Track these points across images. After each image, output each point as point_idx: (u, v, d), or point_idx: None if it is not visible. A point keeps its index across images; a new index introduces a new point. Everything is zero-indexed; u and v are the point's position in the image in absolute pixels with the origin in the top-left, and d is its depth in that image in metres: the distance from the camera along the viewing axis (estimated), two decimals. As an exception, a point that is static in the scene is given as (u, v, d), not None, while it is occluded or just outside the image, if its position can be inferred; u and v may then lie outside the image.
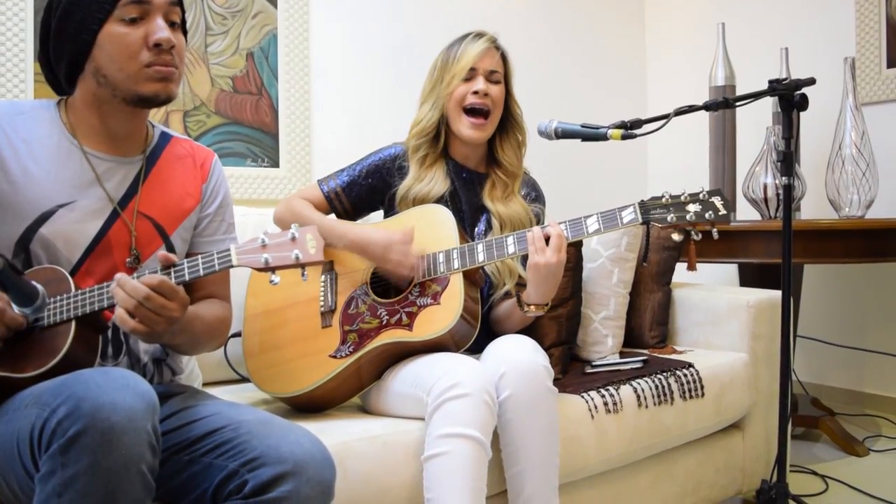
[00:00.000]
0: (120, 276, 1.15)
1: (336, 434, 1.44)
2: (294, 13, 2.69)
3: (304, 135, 2.71)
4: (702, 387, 1.98)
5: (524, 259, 1.76)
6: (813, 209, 3.04)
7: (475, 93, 1.78)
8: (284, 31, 2.67)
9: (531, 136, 1.88)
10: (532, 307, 1.67)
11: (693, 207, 1.52)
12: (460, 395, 1.42)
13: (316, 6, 2.75)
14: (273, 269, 1.13)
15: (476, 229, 1.84)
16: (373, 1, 2.91)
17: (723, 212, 1.51)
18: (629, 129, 1.70)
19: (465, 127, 1.80)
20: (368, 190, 1.84)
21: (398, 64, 2.94)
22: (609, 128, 1.69)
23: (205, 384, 1.87)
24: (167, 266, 1.17)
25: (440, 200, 1.80)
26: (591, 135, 1.69)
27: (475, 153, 1.88)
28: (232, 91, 2.57)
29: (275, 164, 2.66)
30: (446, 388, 1.43)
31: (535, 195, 1.94)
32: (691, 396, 1.95)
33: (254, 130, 2.61)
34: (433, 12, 3.05)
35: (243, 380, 1.83)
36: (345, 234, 1.70)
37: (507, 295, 1.80)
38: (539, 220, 1.91)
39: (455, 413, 1.41)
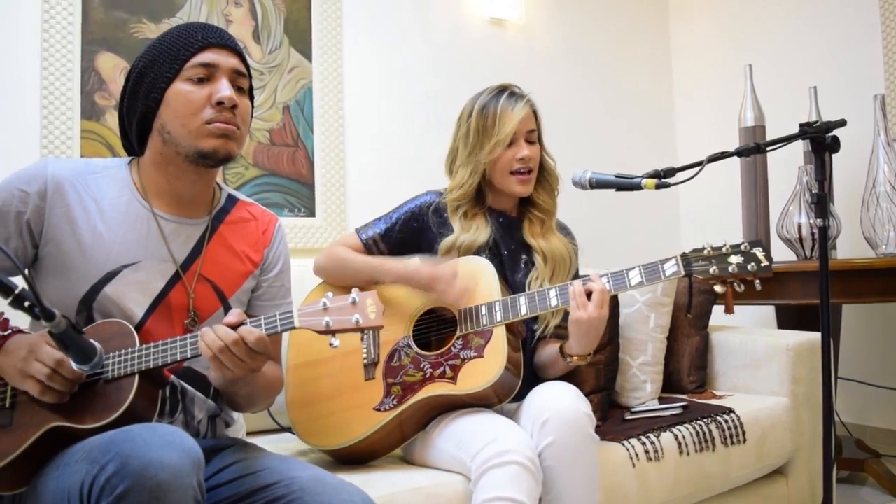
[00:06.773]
0: (217, 325, 1.19)
1: (380, 486, 1.45)
2: (328, 67, 2.77)
3: (339, 184, 2.77)
4: (743, 432, 1.96)
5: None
6: (849, 248, 3.02)
7: (521, 159, 1.81)
8: (319, 84, 2.75)
9: (564, 183, 1.90)
10: (574, 358, 1.68)
11: (735, 259, 1.52)
12: (506, 463, 1.43)
13: (349, 60, 2.83)
14: (333, 333, 1.16)
15: (517, 271, 1.85)
16: (403, 54, 2.99)
17: (765, 263, 1.51)
18: (663, 177, 1.72)
19: (514, 185, 1.83)
20: (405, 236, 1.87)
21: (429, 114, 3.00)
22: (643, 177, 1.70)
23: (247, 434, 1.89)
24: (236, 326, 1.20)
25: (484, 247, 1.82)
26: (625, 185, 1.71)
27: (510, 200, 1.92)
28: (269, 143, 2.64)
29: (311, 213, 2.71)
30: (492, 456, 1.44)
31: (566, 232, 1.97)
32: (733, 442, 1.94)
33: (290, 181, 2.68)
34: (463, 64, 3.11)
35: (283, 430, 1.85)
36: (391, 269, 1.75)
37: (550, 337, 1.81)
38: (576, 254, 1.93)
39: (501, 480, 1.42)
